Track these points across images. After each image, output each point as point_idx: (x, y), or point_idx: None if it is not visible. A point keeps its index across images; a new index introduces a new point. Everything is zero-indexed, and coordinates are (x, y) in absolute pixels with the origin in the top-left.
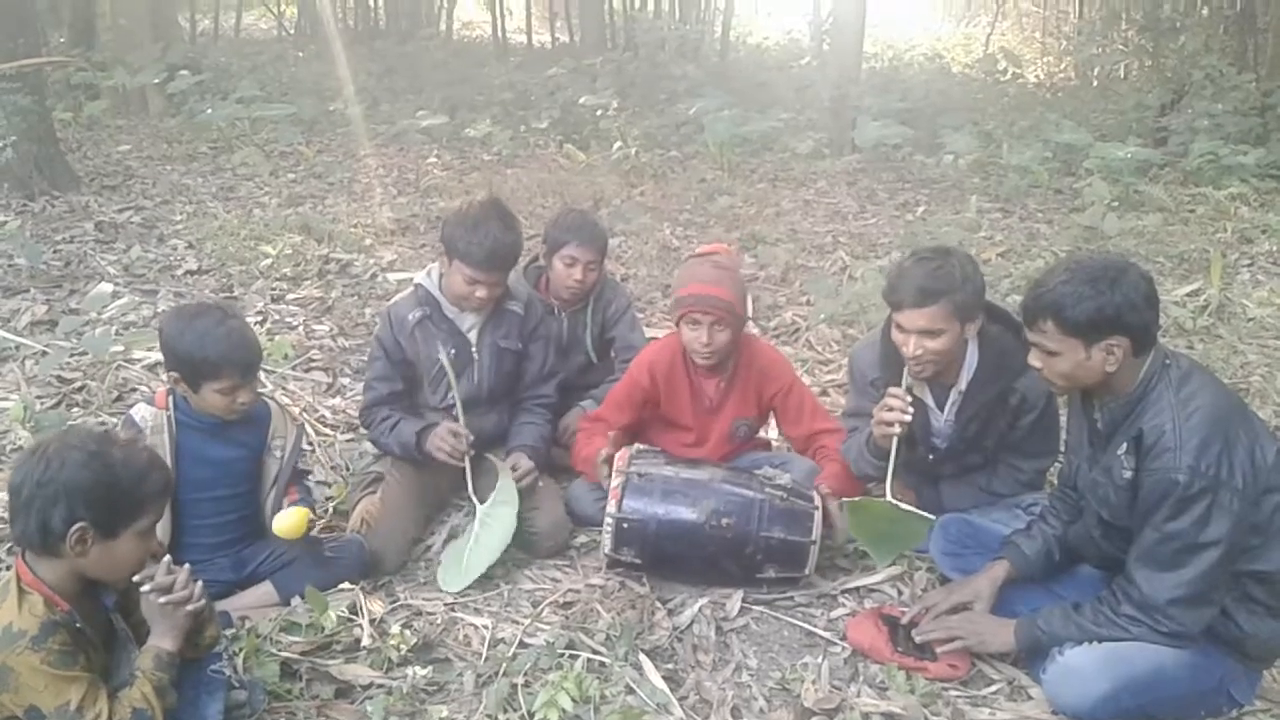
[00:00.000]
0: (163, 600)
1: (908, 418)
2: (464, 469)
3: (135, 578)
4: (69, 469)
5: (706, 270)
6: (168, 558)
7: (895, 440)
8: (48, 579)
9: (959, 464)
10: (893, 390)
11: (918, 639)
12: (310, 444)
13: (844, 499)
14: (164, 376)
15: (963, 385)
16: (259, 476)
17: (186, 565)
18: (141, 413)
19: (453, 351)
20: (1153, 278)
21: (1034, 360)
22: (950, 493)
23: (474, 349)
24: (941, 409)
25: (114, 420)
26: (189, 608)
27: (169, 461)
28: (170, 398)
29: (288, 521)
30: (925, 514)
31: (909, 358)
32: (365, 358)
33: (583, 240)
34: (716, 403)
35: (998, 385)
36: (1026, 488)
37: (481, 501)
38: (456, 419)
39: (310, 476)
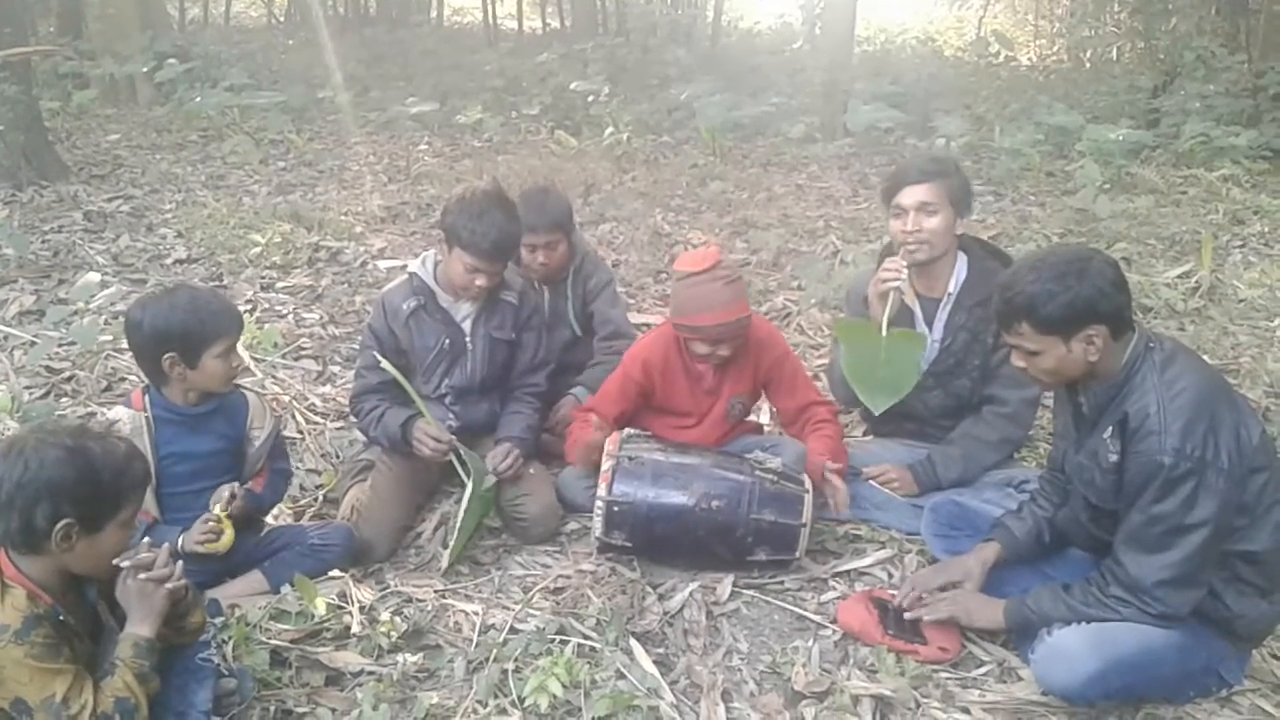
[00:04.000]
0: (143, 577)
1: (904, 275)
2: (450, 463)
3: (115, 560)
4: (49, 467)
5: (718, 291)
6: (147, 539)
7: (891, 297)
8: (31, 574)
9: (948, 391)
10: (891, 259)
11: (907, 616)
12: (300, 432)
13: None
14: (143, 375)
15: (952, 289)
16: (242, 467)
17: (165, 544)
18: (119, 415)
19: (447, 341)
20: (1118, 261)
21: (1017, 361)
22: (942, 461)
23: (468, 339)
24: (930, 326)
25: (102, 410)
26: (169, 585)
27: (150, 460)
28: (146, 397)
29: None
30: (916, 332)
31: (906, 233)
32: (356, 346)
33: (530, 227)
34: (715, 383)
35: (985, 290)
36: (1012, 423)
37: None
38: (449, 408)
39: (293, 461)
